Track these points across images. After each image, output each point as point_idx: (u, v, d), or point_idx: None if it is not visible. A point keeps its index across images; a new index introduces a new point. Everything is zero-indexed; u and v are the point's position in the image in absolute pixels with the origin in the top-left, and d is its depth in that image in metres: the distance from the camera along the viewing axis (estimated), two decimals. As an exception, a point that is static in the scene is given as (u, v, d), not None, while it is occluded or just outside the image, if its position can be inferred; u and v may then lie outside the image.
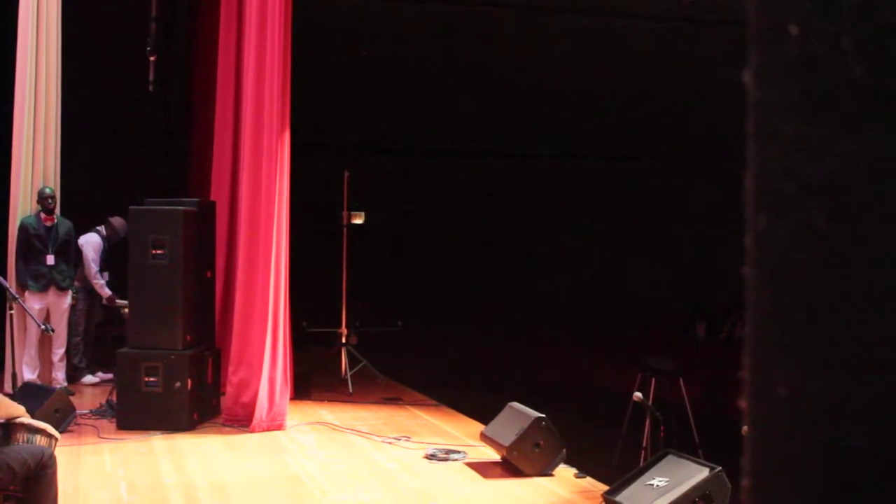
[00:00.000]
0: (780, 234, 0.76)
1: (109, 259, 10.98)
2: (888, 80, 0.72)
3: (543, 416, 7.54)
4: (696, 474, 5.93)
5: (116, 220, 10.94)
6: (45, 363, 10.42)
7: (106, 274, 10.91)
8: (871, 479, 0.72)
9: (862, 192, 0.73)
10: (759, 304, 0.78)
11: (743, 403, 0.79)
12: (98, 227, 11.02)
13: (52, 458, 5.42)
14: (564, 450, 7.57)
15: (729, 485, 5.84)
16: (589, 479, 7.50)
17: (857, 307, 0.73)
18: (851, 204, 0.73)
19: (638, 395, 7.47)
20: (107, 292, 10.81)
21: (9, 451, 5.33)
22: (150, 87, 10.85)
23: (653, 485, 6.08)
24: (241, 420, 9.12)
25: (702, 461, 6.18)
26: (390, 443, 8.66)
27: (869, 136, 0.72)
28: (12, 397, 6.65)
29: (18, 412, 5.52)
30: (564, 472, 7.58)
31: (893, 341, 0.71)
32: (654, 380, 9.62)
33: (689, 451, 7.33)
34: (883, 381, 0.71)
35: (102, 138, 13.34)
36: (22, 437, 5.46)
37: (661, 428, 7.35)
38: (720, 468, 5.87)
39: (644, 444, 8.79)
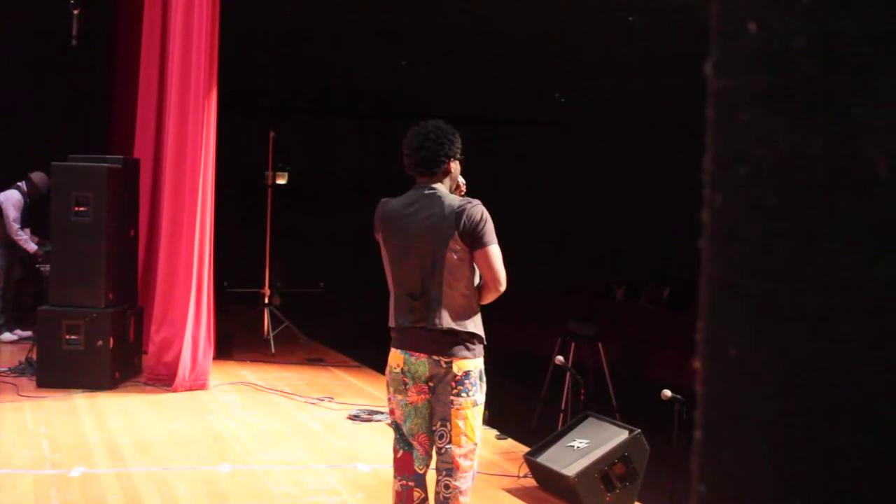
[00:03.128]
0: (733, 210, 0.85)
1: (30, 216, 10.82)
2: (833, 78, 0.80)
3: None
4: (616, 436, 6.08)
5: (37, 177, 10.76)
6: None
7: (27, 230, 10.75)
8: (812, 430, 0.82)
9: (808, 174, 0.81)
10: (713, 273, 0.86)
11: (696, 363, 0.87)
12: (19, 183, 10.83)
13: None
14: (486, 411, 7.68)
15: (647, 447, 6.00)
16: (510, 441, 7.65)
17: (801, 275, 0.82)
18: (798, 184, 0.82)
19: (560, 358, 7.63)
20: (32, 247, 10.64)
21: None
22: (74, 42, 10.65)
23: (573, 446, 6.23)
24: (164, 379, 9.11)
25: (621, 424, 6.34)
26: (314, 403, 8.73)
27: (815, 126, 0.81)
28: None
29: None
30: (486, 433, 7.69)
31: (834, 306, 0.80)
32: (573, 344, 9.82)
33: (607, 413, 7.50)
34: (823, 340, 0.81)
35: (23, 93, 13.10)
36: None
37: (582, 391, 7.51)
38: (639, 430, 6.03)
39: (563, 407, 8.98)
